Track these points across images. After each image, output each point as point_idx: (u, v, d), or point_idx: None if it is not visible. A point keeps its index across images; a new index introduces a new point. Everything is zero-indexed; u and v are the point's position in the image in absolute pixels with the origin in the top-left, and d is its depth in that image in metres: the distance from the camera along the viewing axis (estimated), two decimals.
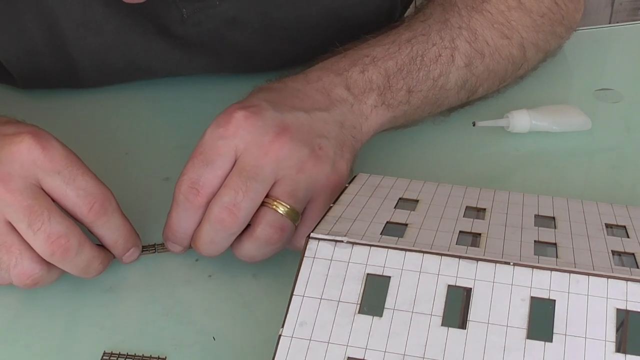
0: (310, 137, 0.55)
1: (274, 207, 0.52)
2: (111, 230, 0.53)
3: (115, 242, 0.53)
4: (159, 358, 0.49)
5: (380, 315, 0.40)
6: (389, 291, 0.41)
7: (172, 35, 0.72)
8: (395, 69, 0.63)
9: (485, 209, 0.49)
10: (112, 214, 0.52)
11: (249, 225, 0.52)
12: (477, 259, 0.41)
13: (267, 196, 0.52)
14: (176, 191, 0.53)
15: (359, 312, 0.40)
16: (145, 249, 0.57)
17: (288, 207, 0.52)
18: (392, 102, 0.63)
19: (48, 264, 0.50)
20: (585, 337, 0.38)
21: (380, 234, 0.44)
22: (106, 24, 0.71)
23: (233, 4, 0.71)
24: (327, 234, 0.43)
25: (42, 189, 0.50)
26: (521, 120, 0.67)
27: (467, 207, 0.49)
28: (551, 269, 0.40)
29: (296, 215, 0.52)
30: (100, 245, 0.53)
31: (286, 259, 0.55)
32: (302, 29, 0.74)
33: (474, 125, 0.66)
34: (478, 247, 0.43)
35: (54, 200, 0.51)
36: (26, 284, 0.50)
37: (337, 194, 0.52)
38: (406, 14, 0.85)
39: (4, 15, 0.69)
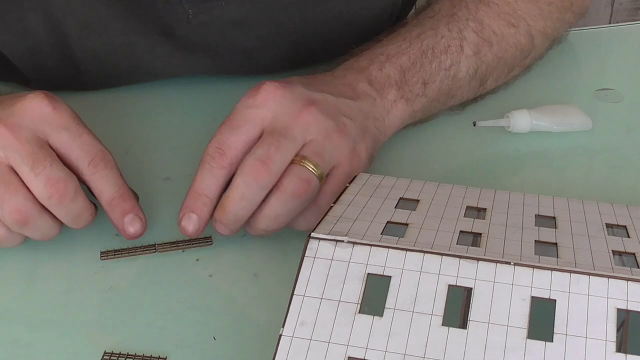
0: (336, 114, 0.57)
1: (302, 164, 0.53)
2: (109, 185, 0.54)
3: (112, 198, 0.54)
4: (159, 358, 0.49)
5: (381, 315, 0.40)
6: (389, 291, 0.41)
7: (177, 36, 0.73)
8: (409, 64, 0.65)
9: (485, 209, 0.49)
10: (111, 170, 0.55)
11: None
12: (478, 259, 0.41)
13: (295, 156, 0.54)
14: (203, 155, 0.55)
15: (359, 312, 0.40)
16: (145, 249, 0.57)
17: (315, 164, 0.54)
18: (410, 95, 0.65)
19: (41, 207, 0.52)
20: (586, 337, 0.38)
21: (381, 233, 0.44)
22: (110, 24, 0.71)
23: (239, 6, 0.71)
24: (328, 234, 0.43)
25: (48, 144, 0.53)
26: (522, 120, 0.67)
27: (468, 207, 0.49)
28: (552, 269, 0.40)
29: (321, 175, 0.54)
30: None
31: (287, 259, 0.55)
32: (307, 33, 0.75)
33: (474, 125, 0.66)
34: (479, 247, 0.43)
35: (60, 156, 0.53)
36: (16, 220, 0.52)
37: (354, 175, 0.54)
38: (408, 15, 0.86)
39: (9, 13, 0.70)
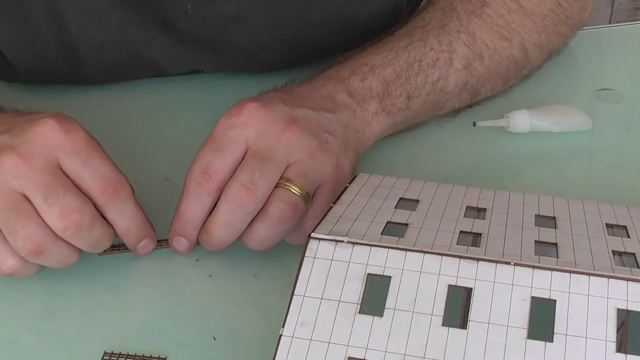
0: (318, 131, 0.56)
1: (287, 187, 0.53)
2: (123, 217, 0.53)
3: (128, 229, 0.54)
4: (159, 358, 0.49)
5: (381, 315, 0.40)
6: (389, 291, 0.40)
7: (176, 30, 0.73)
8: (394, 76, 0.64)
9: (485, 209, 0.49)
10: (125, 201, 0.53)
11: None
12: (478, 259, 0.41)
13: (279, 179, 0.53)
14: (187, 179, 0.54)
15: (359, 312, 0.40)
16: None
17: (300, 186, 0.53)
18: (392, 108, 0.64)
19: (56, 235, 0.51)
20: (586, 337, 0.38)
21: (381, 234, 0.44)
22: (109, 15, 0.71)
23: (238, 2, 0.71)
24: (328, 234, 0.43)
25: (61, 170, 0.51)
26: (521, 120, 0.67)
27: (468, 207, 0.49)
28: (552, 269, 0.40)
29: (307, 196, 0.53)
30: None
31: (287, 259, 0.55)
32: (305, 29, 0.75)
33: (474, 125, 0.66)
34: (479, 247, 0.43)
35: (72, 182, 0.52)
36: (30, 251, 0.50)
37: (339, 190, 0.52)
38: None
39: (9, 1, 0.69)
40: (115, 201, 0.52)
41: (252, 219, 0.53)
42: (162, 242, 0.57)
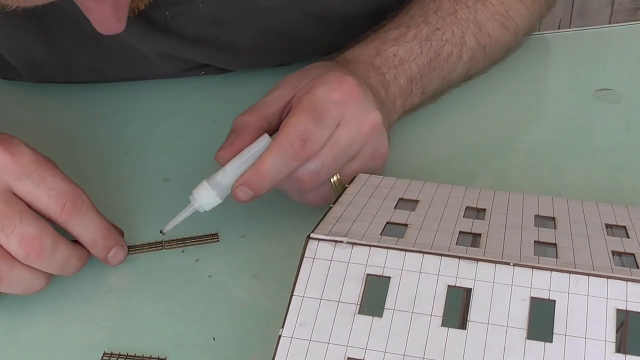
0: (384, 133, 0.58)
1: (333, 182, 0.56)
2: (87, 229, 0.52)
3: (94, 240, 0.53)
4: (159, 358, 0.49)
5: (380, 316, 0.40)
6: (389, 291, 0.41)
7: (159, 33, 0.71)
8: (417, 74, 0.65)
9: (485, 210, 0.49)
10: (86, 213, 0.52)
11: None
12: (477, 260, 0.41)
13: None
14: (281, 138, 0.52)
15: (359, 313, 0.40)
16: (153, 246, 0.57)
17: (339, 182, 0.55)
18: (408, 105, 0.66)
19: (12, 261, 0.49)
20: (585, 338, 0.38)
21: (380, 234, 0.44)
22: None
23: (217, 5, 0.70)
24: (327, 235, 0.43)
25: (15, 194, 0.50)
26: (207, 196, 0.54)
27: (467, 208, 0.49)
28: (551, 270, 0.40)
29: (339, 186, 0.56)
30: (76, 242, 0.53)
31: (286, 260, 0.55)
32: (289, 24, 0.73)
33: (162, 233, 0.56)
34: (478, 247, 0.43)
35: (28, 205, 0.50)
36: None
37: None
38: None
39: None
40: (76, 215, 0.51)
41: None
42: (172, 242, 0.57)
